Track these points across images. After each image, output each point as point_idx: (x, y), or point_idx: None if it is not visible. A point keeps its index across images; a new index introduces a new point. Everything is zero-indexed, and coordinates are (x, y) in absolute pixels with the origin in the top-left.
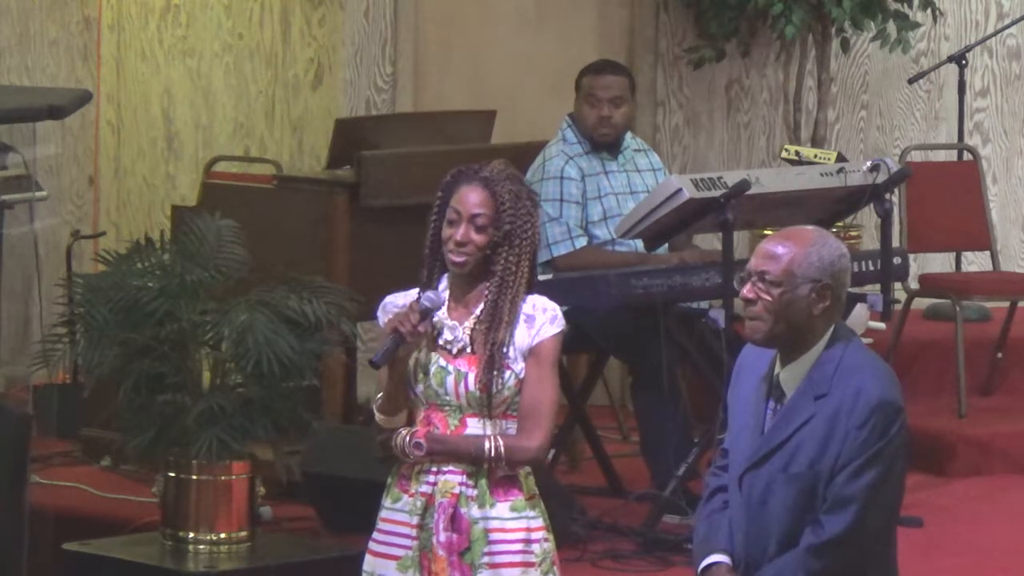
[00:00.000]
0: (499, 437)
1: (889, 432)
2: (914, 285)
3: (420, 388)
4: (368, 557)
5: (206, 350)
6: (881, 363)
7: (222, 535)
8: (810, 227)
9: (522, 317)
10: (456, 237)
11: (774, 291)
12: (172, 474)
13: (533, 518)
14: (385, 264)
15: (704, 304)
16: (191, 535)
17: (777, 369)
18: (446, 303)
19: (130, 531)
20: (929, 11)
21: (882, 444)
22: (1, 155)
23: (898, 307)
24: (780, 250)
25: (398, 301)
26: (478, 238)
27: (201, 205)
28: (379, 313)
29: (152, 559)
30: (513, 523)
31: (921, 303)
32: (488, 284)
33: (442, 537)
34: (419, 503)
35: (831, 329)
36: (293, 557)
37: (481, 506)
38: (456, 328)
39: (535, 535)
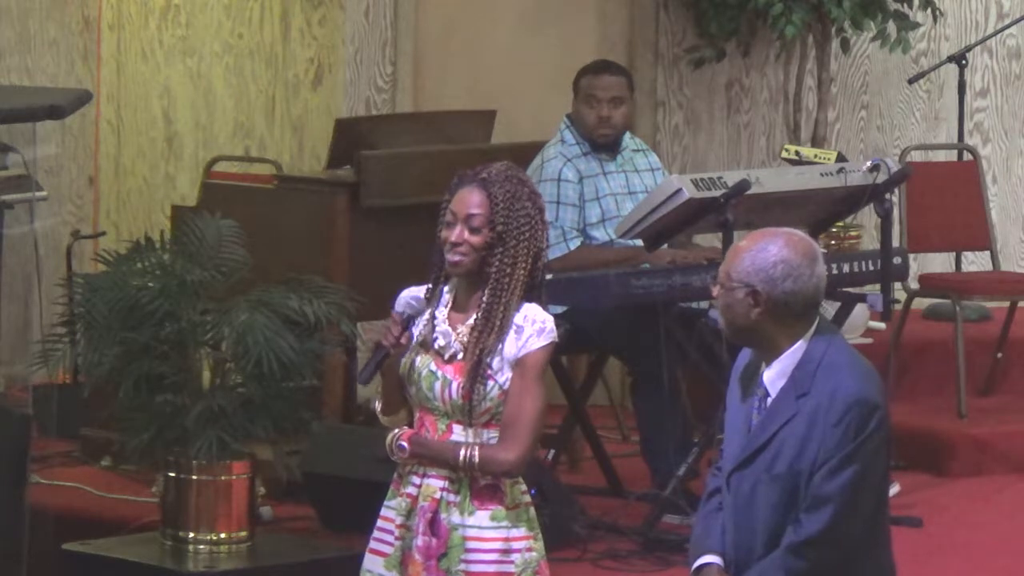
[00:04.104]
0: (476, 447)
1: (865, 430)
2: (914, 285)
3: (412, 390)
4: (366, 553)
5: (206, 350)
6: (862, 361)
7: (222, 535)
8: (773, 230)
9: (512, 327)
10: (451, 238)
11: (718, 292)
12: (172, 474)
13: (514, 528)
14: (385, 264)
15: (704, 304)
16: (191, 535)
17: (763, 368)
18: (448, 306)
19: (130, 531)
20: (929, 11)
21: (858, 442)
22: (1, 155)
23: (898, 307)
24: (731, 252)
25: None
26: (473, 239)
27: (201, 205)
28: (396, 307)
29: (152, 559)
30: (491, 532)
31: (921, 303)
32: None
33: (419, 541)
34: (404, 504)
35: (812, 328)
36: (293, 557)
37: (461, 513)
38: (449, 335)
39: (516, 545)
